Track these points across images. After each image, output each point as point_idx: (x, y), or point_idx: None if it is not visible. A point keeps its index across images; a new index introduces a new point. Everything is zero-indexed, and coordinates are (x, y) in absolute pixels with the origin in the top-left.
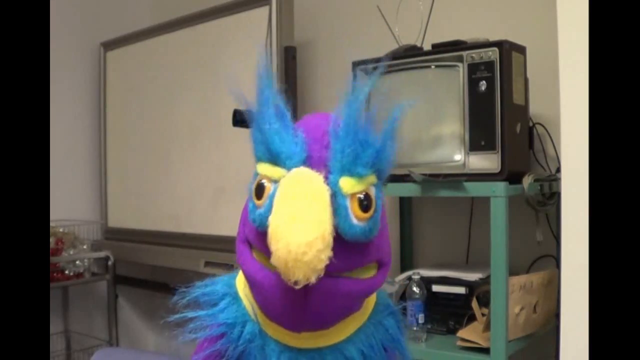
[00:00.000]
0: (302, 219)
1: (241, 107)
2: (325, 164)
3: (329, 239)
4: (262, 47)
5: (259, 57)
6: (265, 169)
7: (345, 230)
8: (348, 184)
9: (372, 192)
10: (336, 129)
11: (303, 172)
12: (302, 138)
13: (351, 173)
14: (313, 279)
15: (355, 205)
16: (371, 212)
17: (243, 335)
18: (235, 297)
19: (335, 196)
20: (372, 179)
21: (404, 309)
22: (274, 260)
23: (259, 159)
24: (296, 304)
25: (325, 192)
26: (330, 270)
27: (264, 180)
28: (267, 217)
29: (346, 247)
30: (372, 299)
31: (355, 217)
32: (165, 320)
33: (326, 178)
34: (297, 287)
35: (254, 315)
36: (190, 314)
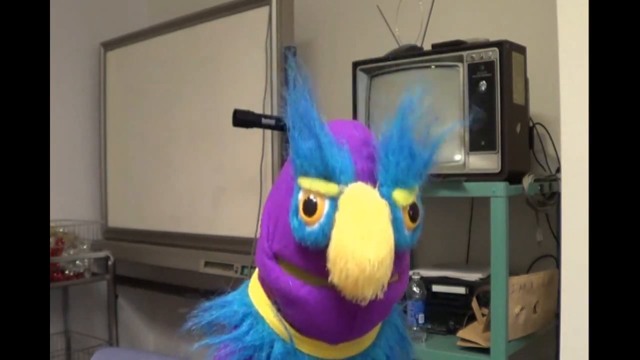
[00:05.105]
0: (371, 237)
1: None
2: (371, 176)
3: (393, 253)
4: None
5: (288, 71)
6: (316, 185)
7: (400, 242)
8: (402, 197)
9: (418, 201)
10: (386, 141)
11: (362, 187)
12: (348, 150)
13: (404, 185)
14: (381, 295)
15: (407, 216)
16: (418, 221)
17: (273, 355)
18: (257, 317)
19: (391, 209)
20: (417, 188)
21: (404, 309)
22: (340, 278)
23: (305, 174)
24: (347, 317)
25: (386, 207)
26: None
27: (312, 196)
28: (324, 236)
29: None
30: None
31: (407, 228)
32: (190, 350)
33: (378, 191)
34: (364, 303)
35: (287, 334)
36: (214, 340)
